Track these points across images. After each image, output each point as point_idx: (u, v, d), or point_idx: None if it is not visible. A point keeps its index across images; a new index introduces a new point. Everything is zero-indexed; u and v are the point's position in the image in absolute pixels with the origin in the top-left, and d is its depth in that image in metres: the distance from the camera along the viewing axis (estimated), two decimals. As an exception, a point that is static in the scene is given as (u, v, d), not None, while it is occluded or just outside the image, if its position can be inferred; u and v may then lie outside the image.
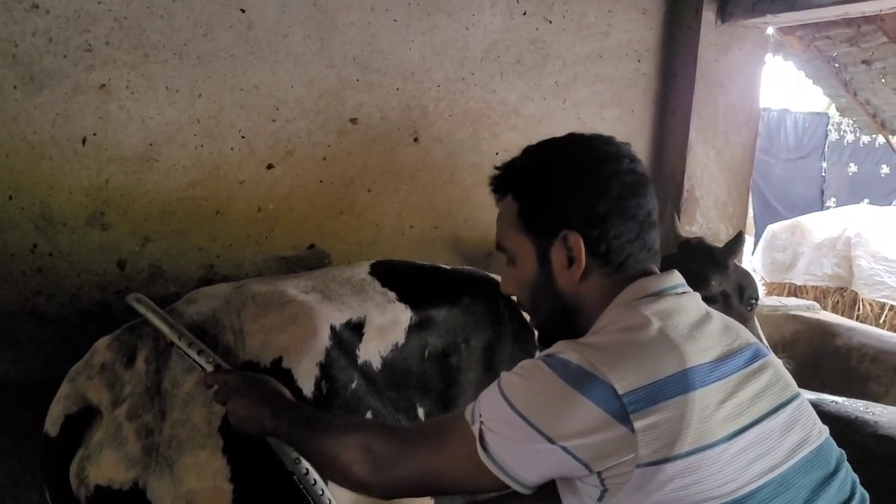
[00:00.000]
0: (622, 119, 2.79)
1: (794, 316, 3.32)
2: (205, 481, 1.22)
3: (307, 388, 1.27)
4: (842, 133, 9.63)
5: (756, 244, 7.27)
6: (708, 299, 2.07)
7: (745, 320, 2.21)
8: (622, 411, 0.91)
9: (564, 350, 0.99)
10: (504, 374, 1.03)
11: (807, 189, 9.70)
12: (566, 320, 1.13)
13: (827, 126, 9.50)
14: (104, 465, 1.22)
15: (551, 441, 0.94)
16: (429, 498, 1.43)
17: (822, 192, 9.81)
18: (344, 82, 2.25)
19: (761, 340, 2.33)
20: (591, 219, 1.08)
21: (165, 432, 1.22)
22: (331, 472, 1.15)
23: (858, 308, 5.87)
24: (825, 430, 1.09)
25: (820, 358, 3.10)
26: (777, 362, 1.10)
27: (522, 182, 1.16)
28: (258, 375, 1.23)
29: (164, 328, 1.27)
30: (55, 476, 1.27)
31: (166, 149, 2.05)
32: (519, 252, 1.16)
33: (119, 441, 1.22)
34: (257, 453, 1.19)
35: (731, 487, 0.93)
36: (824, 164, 9.69)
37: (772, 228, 7.00)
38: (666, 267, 2.15)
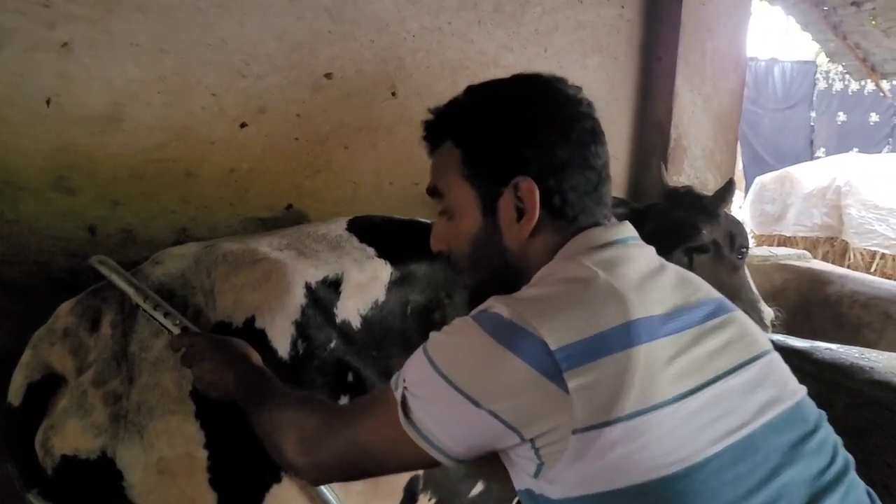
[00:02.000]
0: (605, 67, 2.71)
1: (785, 265, 3.29)
2: (177, 448, 1.16)
3: (282, 348, 1.21)
4: (830, 81, 9.55)
5: (745, 196, 7.24)
6: (698, 248, 2.03)
7: (735, 269, 2.17)
8: (554, 368, 0.82)
9: (495, 304, 0.90)
10: (432, 334, 0.94)
11: (795, 139, 9.67)
12: (507, 279, 1.01)
13: (815, 75, 9.43)
14: (70, 434, 1.16)
15: (477, 404, 0.85)
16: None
17: (811, 142, 9.79)
18: (316, 35, 2.16)
19: (752, 289, 2.32)
20: (548, 166, 0.97)
21: (134, 398, 1.16)
22: (268, 449, 1.08)
23: (849, 257, 5.87)
24: (802, 389, 1.00)
25: (811, 306, 3.07)
26: (744, 319, 1.00)
27: (469, 125, 1.03)
28: (226, 338, 1.17)
29: (129, 290, 1.21)
30: (20, 448, 1.22)
31: (131, 108, 1.97)
32: (459, 203, 1.04)
33: (85, 409, 1.16)
34: (232, 419, 1.14)
35: (683, 453, 0.83)
36: (813, 114, 9.65)
37: (760, 180, 6.97)
38: (654, 217, 2.12)
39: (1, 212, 1.85)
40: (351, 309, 1.30)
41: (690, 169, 2.78)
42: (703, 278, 2.06)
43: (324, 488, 1.22)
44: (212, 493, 1.18)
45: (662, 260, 1.02)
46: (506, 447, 0.89)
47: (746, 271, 2.26)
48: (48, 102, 1.86)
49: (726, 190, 2.09)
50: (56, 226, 1.94)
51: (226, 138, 2.10)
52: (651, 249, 1.03)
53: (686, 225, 2.00)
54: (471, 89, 1.06)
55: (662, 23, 2.71)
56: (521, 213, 0.99)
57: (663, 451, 0.82)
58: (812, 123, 9.73)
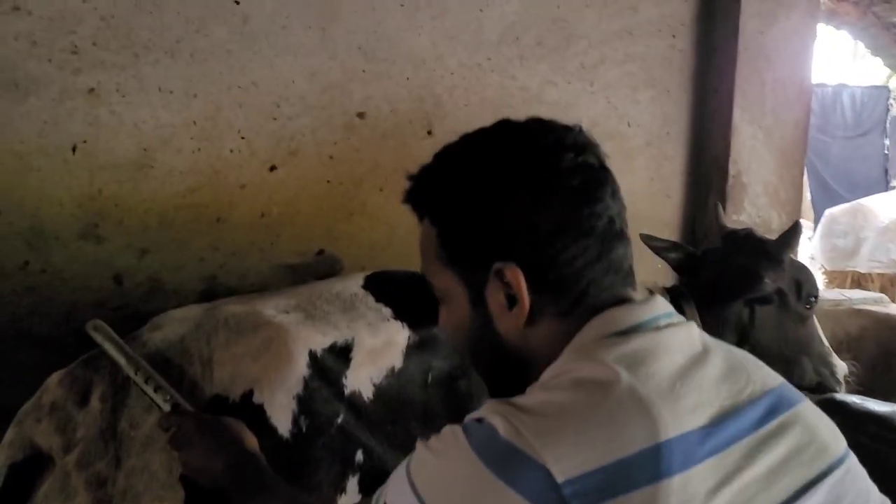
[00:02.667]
0: (657, 101, 2.57)
1: (860, 310, 3.03)
2: None
3: (283, 426, 1.10)
4: (905, 107, 9.08)
5: (815, 230, 6.89)
6: (761, 299, 1.84)
7: (803, 320, 1.97)
8: None
9: (492, 414, 0.74)
10: (418, 446, 0.80)
11: (868, 168, 9.20)
12: (511, 374, 0.86)
13: (888, 100, 8.99)
14: None
15: None
16: None
17: (886, 170, 9.30)
18: (349, 74, 2.10)
19: (822, 342, 2.11)
20: (529, 242, 0.80)
21: (120, 483, 1.08)
22: None
23: (931, 295, 5.48)
24: (886, 502, 0.81)
25: (891, 358, 2.80)
26: (811, 414, 0.81)
27: (437, 200, 0.88)
28: (218, 419, 1.07)
29: (121, 360, 1.13)
30: None
31: (161, 154, 1.93)
32: (447, 291, 0.89)
33: (67, 493, 1.08)
34: None
35: None
36: (887, 142, 9.18)
37: (831, 212, 6.61)
38: (710, 263, 1.95)
39: (26, 262, 1.83)
40: (363, 378, 1.19)
41: (752, 207, 2.59)
42: (767, 333, 1.90)
43: None
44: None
45: (706, 339, 0.84)
46: None
47: (815, 321, 2.06)
48: (74, 149, 1.83)
49: (792, 233, 1.91)
50: (84, 276, 1.90)
51: (256, 182, 2.04)
52: (691, 328, 0.85)
53: (747, 273, 1.82)
54: (441, 152, 0.90)
55: (717, 52, 2.55)
56: (512, 301, 0.83)
57: None
58: (886, 151, 9.25)
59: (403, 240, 2.28)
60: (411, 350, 1.26)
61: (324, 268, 2.14)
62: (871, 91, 9.10)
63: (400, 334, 1.25)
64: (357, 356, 1.19)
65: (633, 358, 0.75)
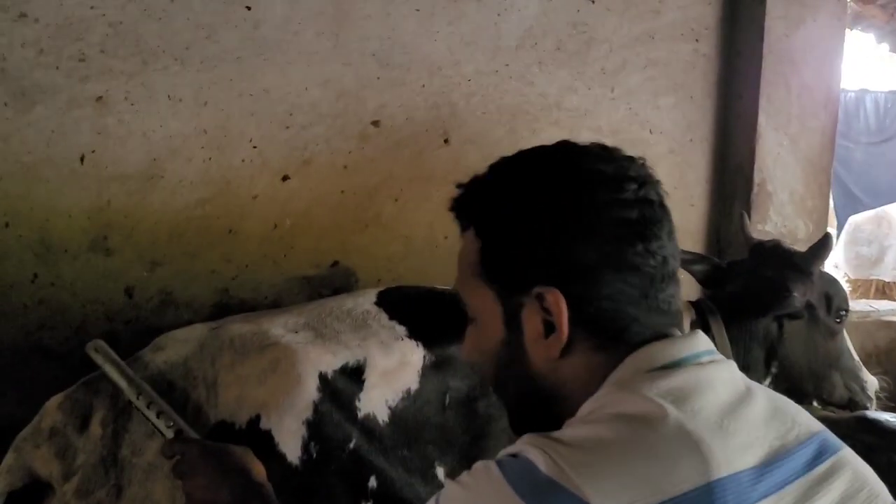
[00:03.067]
0: (680, 107, 2.50)
1: (890, 322, 2.94)
2: None
3: (292, 452, 1.05)
4: (929, 112, 8.92)
5: (838, 238, 6.76)
6: (791, 315, 1.77)
7: (833, 335, 1.90)
8: None
9: (530, 448, 0.70)
10: (447, 483, 0.76)
11: (892, 175, 9.03)
12: (540, 408, 0.81)
13: (912, 105, 8.83)
14: None
15: None
16: None
17: (908, 177, 9.13)
18: (363, 81, 2.05)
19: (852, 356, 2.03)
20: (576, 271, 0.76)
21: None
22: None
23: (957, 304, 5.34)
24: None
25: (924, 372, 2.72)
26: (855, 460, 0.77)
27: (486, 213, 0.82)
28: (224, 447, 1.01)
29: (122, 384, 1.08)
30: None
31: (171, 164, 1.89)
32: (480, 309, 0.84)
33: None
34: None
35: None
36: (910, 148, 9.00)
37: (854, 220, 6.50)
38: (737, 276, 1.88)
39: (36, 275, 1.79)
40: (377, 401, 1.13)
41: (777, 216, 2.51)
42: (796, 348, 1.82)
43: None
44: None
45: (748, 381, 0.79)
46: None
47: (845, 335, 1.98)
48: (82, 160, 1.79)
49: (822, 245, 1.83)
50: (95, 288, 1.86)
51: (269, 193, 2.00)
52: (732, 367, 0.80)
53: (775, 286, 1.75)
54: (498, 165, 0.86)
55: (742, 57, 2.48)
56: (549, 328, 0.78)
57: None
58: (909, 157, 9.09)
59: (419, 253, 2.22)
60: (427, 370, 1.20)
61: (338, 280, 2.09)
62: (893, 96, 8.95)
63: (415, 354, 1.19)
64: (370, 377, 1.13)
65: (679, 393, 0.71)
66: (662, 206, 0.81)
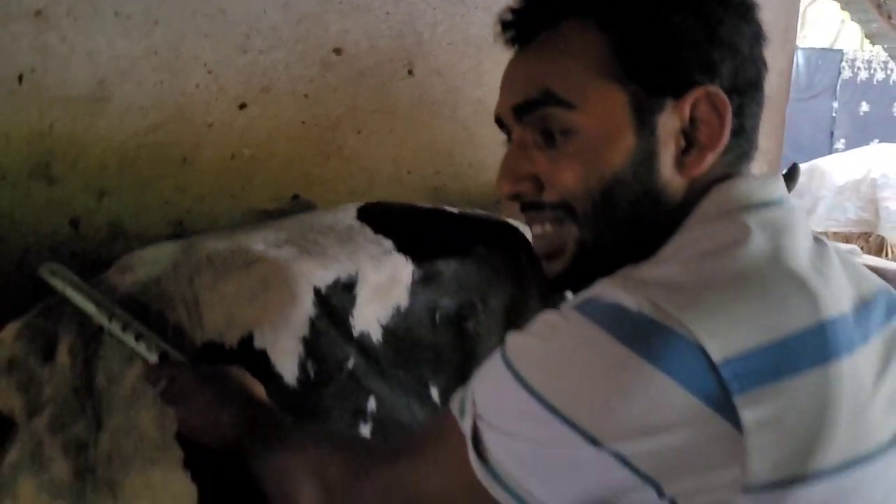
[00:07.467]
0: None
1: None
2: None
3: (289, 373, 0.98)
4: (856, 70, 9.25)
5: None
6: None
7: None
8: (720, 392, 0.55)
9: (612, 290, 0.61)
10: (511, 336, 0.66)
11: (815, 130, 9.41)
12: (645, 241, 0.69)
13: (840, 63, 9.14)
14: (23, 496, 0.94)
15: (595, 442, 0.57)
16: None
17: (832, 133, 9.54)
18: (325, 4, 1.95)
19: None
20: (737, 79, 0.70)
21: (103, 446, 0.94)
22: None
23: (886, 253, 5.64)
24: None
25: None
26: None
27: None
28: (217, 367, 0.94)
29: (89, 307, 0.98)
30: None
31: (119, 87, 1.76)
32: (594, 115, 0.70)
33: (40, 463, 0.93)
34: (232, 467, 0.91)
35: None
36: (835, 104, 9.38)
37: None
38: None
39: (-28, 203, 1.65)
40: (370, 318, 1.07)
41: (733, 156, 2.54)
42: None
43: None
44: (208, 565, 0.94)
45: (815, 234, 0.75)
46: (627, 503, 0.61)
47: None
48: (20, 79, 1.64)
49: (790, 177, 1.86)
50: (37, 219, 1.73)
51: (225, 120, 1.89)
52: (805, 215, 0.75)
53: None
54: None
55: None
56: (689, 142, 0.70)
57: None
58: (834, 114, 9.46)
59: (383, 187, 2.15)
60: (417, 287, 1.14)
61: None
62: (824, 54, 9.26)
63: (404, 269, 1.13)
64: (362, 292, 1.07)
65: (775, 228, 0.66)
66: None
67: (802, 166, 6.87)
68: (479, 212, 1.54)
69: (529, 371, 0.62)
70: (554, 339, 0.62)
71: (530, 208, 0.76)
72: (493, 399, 0.64)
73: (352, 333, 1.07)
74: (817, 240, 0.72)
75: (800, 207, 0.74)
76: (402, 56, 2.09)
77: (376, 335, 1.09)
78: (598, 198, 0.72)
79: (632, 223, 0.72)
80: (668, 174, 0.71)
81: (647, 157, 0.71)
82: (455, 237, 1.26)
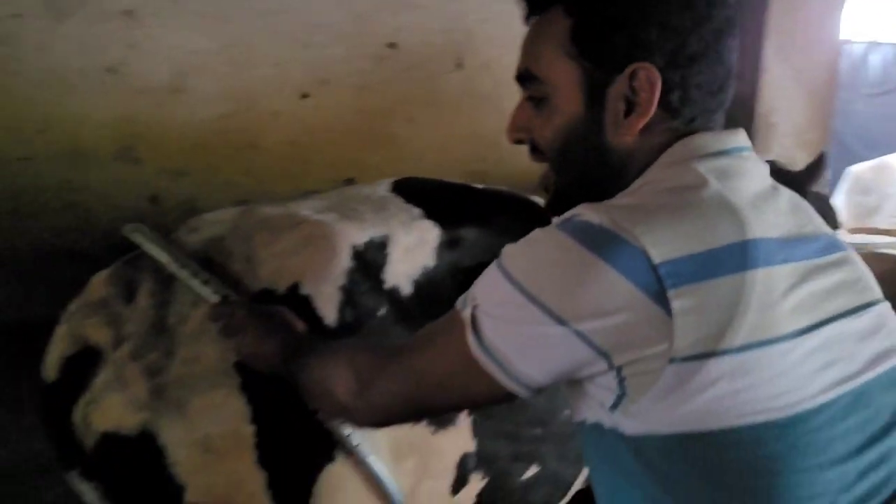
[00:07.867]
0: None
1: (883, 255, 3.02)
2: (223, 424, 1.10)
3: (329, 315, 1.14)
4: (935, 66, 8.85)
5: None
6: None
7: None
8: (657, 286, 0.71)
9: (584, 212, 0.77)
10: (506, 248, 0.82)
11: (889, 126, 9.02)
12: (601, 183, 0.86)
13: (919, 58, 8.76)
14: (109, 409, 1.11)
15: (561, 322, 0.73)
16: None
17: (906, 130, 9.11)
18: (380, 2, 2.11)
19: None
20: (677, 57, 0.82)
21: (174, 371, 1.11)
22: (317, 400, 1.02)
23: (953, 252, 5.40)
24: None
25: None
26: (858, 261, 0.87)
27: None
28: (267, 307, 1.11)
29: (165, 258, 1.16)
30: (58, 425, 1.17)
31: (195, 79, 1.96)
32: (558, 84, 0.86)
33: (123, 382, 1.11)
34: (282, 392, 1.06)
35: (794, 398, 0.73)
36: (912, 100, 8.95)
37: (854, 169, 6.49)
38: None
39: (69, 180, 1.88)
40: (400, 274, 1.22)
41: (778, 148, 2.59)
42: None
43: (377, 467, 1.14)
44: (261, 472, 1.11)
45: (774, 181, 0.88)
46: (586, 375, 0.78)
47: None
48: (112, 71, 1.86)
49: (817, 165, 1.91)
50: (121, 195, 1.95)
51: (288, 110, 2.07)
52: (765, 167, 0.88)
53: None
54: None
55: (750, -10, 2.52)
56: (630, 107, 0.83)
57: (773, 392, 0.73)
58: (909, 110, 9.05)
59: (431, 173, 2.27)
60: (442, 249, 1.28)
61: (353, 196, 2.18)
62: (901, 49, 8.88)
63: (431, 233, 1.28)
64: (394, 252, 1.22)
65: (721, 172, 0.81)
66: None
67: (872, 162, 6.67)
68: (500, 187, 1.67)
69: (514, 268, 0.79)
70: (535, 245, 0.79)
71: (533, 151, 0.93)
72: (487, 291, 0.82)
73: (383, 286, 1.20)
74: (775, 187, 0.86)
75: (754, 157, 0.87)
76: (451, 50, 2.23)
77: (407, 290, 1.23)
78: (558, 150, 0.90)
79: (584, 170, 0.89)
80: (615, 133, 0.86)
81: (594, 121, 0.86)
82: (477, 208, 1.40)
